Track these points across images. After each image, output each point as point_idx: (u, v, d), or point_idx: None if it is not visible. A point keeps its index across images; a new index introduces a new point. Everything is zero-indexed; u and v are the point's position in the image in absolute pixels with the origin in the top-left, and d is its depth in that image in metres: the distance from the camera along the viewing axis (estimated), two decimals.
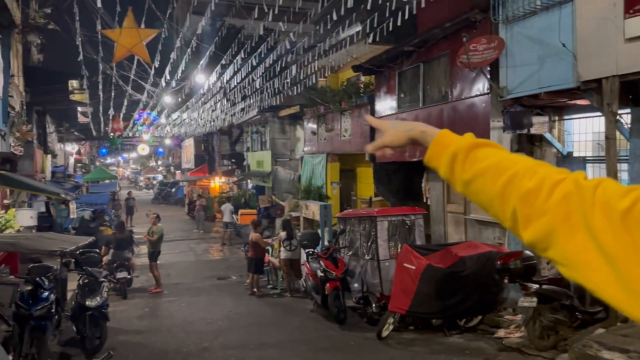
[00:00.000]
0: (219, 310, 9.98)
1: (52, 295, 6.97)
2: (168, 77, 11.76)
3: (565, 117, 8.78)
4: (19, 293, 6.65)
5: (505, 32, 8.23)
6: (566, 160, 8.73)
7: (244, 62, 12.08)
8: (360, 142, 13.53)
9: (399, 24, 8.14)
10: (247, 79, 13.06)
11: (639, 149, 7.29)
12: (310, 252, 9.80)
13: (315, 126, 16.74)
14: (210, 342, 7.97)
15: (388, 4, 8.26)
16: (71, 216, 15.11)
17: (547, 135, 8.66)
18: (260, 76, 12.76)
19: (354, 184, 16.80)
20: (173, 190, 39.00)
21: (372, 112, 12.70)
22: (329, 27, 8.88)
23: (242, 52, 11.18)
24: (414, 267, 7.47)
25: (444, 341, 7.50)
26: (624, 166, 7.51)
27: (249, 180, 24.61)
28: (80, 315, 7.41)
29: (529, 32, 7.83)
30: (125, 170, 73.65)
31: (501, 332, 7.47)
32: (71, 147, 30.76)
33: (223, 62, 11.92)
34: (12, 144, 11.72)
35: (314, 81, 12.90)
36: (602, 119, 6.54)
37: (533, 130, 8.48)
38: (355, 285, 9.04)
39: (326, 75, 14.29)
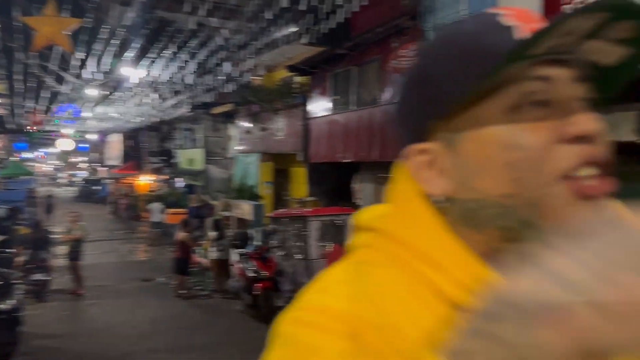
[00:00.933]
0: (144, 313, 9.65)
1: None
2: (93, 69, 11.25)
3: None
4: None
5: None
6: None
7: (174, 57, 11.78)
8: (294, 142, 13.55)
9: (333, 26, 8.25)
10: (178, 75, 12.75)
11: None
12: (242, 252, 9.71)
13: (249, 125, 16.61)
14: (134, 347, 7.69)
15: (322, 6, 8.36)
16: None
17: None
18: (192, 72, 12.50)
19: (287, 184, 16.83)
20: (97, 188, 37.33)
21: (306, 113, 12.78)
22: (263, 25, 8.86)
23: (173, 46, 10.91)
24: None
25: None
26: None
27: (179, 179, 24.01)
28: None
29: None
30: (46, 166, 69.61)
31: None
32: None
33: (153, 55, 11.57)
34: None
35: (248, 79, 12.80)
36: None
37: None
38: (286, 285, 9.05)
39: (261, 74, 14.22)
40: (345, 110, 11.43)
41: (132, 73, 14.32)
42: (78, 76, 14.12)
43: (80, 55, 9.76)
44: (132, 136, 31.19)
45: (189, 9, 8.10)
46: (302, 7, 7.88)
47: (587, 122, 0.52)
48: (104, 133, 33.84)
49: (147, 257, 16.55)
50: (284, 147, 14.39)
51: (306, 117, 12.79)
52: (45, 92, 15.77)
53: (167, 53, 11.14)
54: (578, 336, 0.37)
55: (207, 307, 10.25)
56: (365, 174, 11.62)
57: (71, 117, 25.55)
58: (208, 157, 19.63)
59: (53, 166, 70.35)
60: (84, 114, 24.08)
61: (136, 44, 11.06)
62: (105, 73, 13.09)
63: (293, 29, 10.67)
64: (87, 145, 46.42)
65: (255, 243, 10.82)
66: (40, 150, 57.83)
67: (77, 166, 54.88)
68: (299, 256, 9.10)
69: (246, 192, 15.41)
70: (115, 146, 34.48)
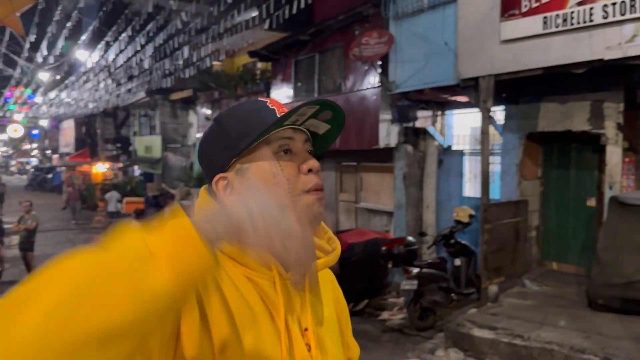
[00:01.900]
0: None
1: None
2: (45, 52, 10.76)
3: (447, 112, 9.38)
4: None
5: (395, 27, 8.59)
6: (447, 152, 9.35)
7: (130, 40, 11.39)
8: None
9: (294, 12, 8.15)
10: (134, 58, 12.34)
11: (510, 144, 8.01)
12: None
13: (209, 111, 16.30)
14: None
15: None
16: None
17: (430, 129, 9.21)
18: (149, 56, 12.12)
19: None
20: (49, 176, 36.00)
21: None
22: (223, 9, 8.66)
23: (128, 29, 10.53)
24: None
25: None
26: (496, 159, 8.21)
27: (136, 167, 23.39)
28: None
29: (417, 29, 8.24)
30: None
31: (385, 315, 7.84)
32: None
33: (107, 38, 11.15)
34: None
35: (208, 65, 12.53)
36: (479, 114, 7.07)
37: (418, 124, 8.98)
38: None
39: (221, 59, 13.96)
40: (308, 97, 11.37)
41: (87, 57, 13.78)
42: (30, 59, 13.50)
43: (32, 38, 9.29)
44: (86, 122, 30.15)
45: None
46: None
47: (314, 163, 0.96)
48: (57, 119, 32.55)
49: None
50: None
51: None
52: None
53: (123, 36, 10.75)
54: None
55: None
56: (328, 162, 11.62)
57: (22, 102, 24.43)
58: (166, 145, 19.19)
59: (2, 153, 67.33)
60: (35, 99, 23.06)
61: (91, 27, 10.63)
62: (58, 56, 12.55)
63: (254, 13, 10.48)
64: (39, 132, 44.57)
65: None
66: None
67: (29, 153, 52.70)
68: None
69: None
70: (68, 133, 33.24)
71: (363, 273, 7.65)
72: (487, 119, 6.87)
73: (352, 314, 7.92)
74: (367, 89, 9.56)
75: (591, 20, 5.82)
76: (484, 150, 6.84)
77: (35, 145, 51.93)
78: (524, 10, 6.43)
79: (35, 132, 44.86)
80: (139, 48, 11.70)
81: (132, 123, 23.83)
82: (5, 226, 12.67)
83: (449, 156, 9.29)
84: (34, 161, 49.14)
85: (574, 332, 5.56)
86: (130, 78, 15.01)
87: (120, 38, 10.88)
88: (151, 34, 10.80)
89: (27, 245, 10.97)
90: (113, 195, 18.74)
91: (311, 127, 1.00)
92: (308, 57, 11.34)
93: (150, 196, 18.55)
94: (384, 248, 7.38)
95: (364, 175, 10.77)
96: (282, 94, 12.40)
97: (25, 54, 12.68)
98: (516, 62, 6.56)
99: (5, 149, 67.03)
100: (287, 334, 0.91)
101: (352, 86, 9.98)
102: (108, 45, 11.39)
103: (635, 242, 5.90)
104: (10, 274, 11.31)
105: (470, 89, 7.25)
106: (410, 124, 8.86)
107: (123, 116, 25.44)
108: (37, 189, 35.75)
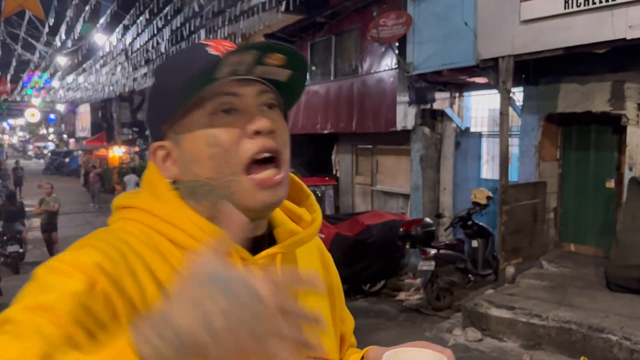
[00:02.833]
0: None
1: None
2: (63, 37, 10.87)
3: (465, 93, 9.33)
4: None
5: (413, 8, 8.52)
6: (464, 134, 9.33)
7: (147, 24, 11.44)
8: None
9: None
10: (151, 42, 12.40)
11: (528, 125, 7.97)
12: None
13: None
14: None
15: None
16: None
17: (448, 111, 9.18)
18: (166, 39, 12.18)
19: (289, 148, 16.72)
20: (67, 160, 36.46)
21: None
22: None
23: (146, 12, 10.58)
24: (323, 236, 7.66)
25: (349, 305, 7.72)
26: (515, 141, 8.18)
27: None
28: None
29: (435, 10, 8.17)
30: (12, 138, 67.46)
31: (402, 295, 7.92)
32: None
33: (125, 22, 11.22)
34: None
35: None
36: (498, 96, 7.03)
37: (436, 106, 8.95)
38: None
39: (237, 42, 13.95)
40: (324, 81, 11.36)
41: (104, 40, 13.88)
42: (48, 43, 13.64)
43: (50, 21, 9.39)
44: (102, 107, 30.40)
45: None
46: None
47: (263, 122, 0.75)
48: (73, 104, 32.84)
49: None
50: None
51: None
52: (13, 60, 15.18)
53: (141, 19, 10.81)
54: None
55: None
56: (344, 145, 11.65)
57: (40, 86, 24.69)
58: None
59: (19, 138, 68.24)
60: (53, 84, 23.29)
61: (108, 10, 10.69)
62: (76, 40, 12.66)
63: None
64: (55, 117, 45.03)
65: None
66: (6, 121, 55.91)
67: (46, 138, 53.34)
68: None
69: None
70: (85, 117, 33.57)
71: (380, 254, 7.72)
72: (507, 100, 6.83)
73: (370, 294, 8.04)
74: (384, 70, 9.53)
75: None
76: (503, 132, 6.82)
77: (51, 129, 52.53)
78: None
79: (52, 116, 45.35)
80: (155, 31, 11.77)
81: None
82: (26, 209, 12.93)
83: (466, 138, 9.27)
84: (51, 145, 49.74)
85: (593, 312, 5.59)
86: (147, 62, 15.10)
87: (138, 21, 10.94)
88: (168, 18, 10.84)
89: (49, 227, 11.21)
90: (132, 178, 18.96)
91: (268, 75, 0.78)
92: (324, 39, 11.30)
93: None
94: (401, 229, 7.43)
95: (379, 157, 10.79)
96: None
97: (44, 38, 12.81)
98: (536, 42, 6.50)
99: (22, 133, 67.91)
100: None
101: (368, 68, 9.95)
102: (125, 29, 11.46)
103: None
104: (32, 255, 11.60)
105: (489, 70, 7.20)
106: (428, 106, 8.84)
107: (139, 100, 25.60)
108: (54, 173, 36.26)
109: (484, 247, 7.39)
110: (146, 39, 12.23)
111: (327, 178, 10.11)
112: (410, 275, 8.46)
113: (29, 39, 13.20)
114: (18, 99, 28.93)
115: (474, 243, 7.45)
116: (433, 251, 7.04)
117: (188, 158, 0.78)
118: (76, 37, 11.83)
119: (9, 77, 21.74)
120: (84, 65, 17.47)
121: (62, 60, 18.48)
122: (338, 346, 1.02)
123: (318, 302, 0.90)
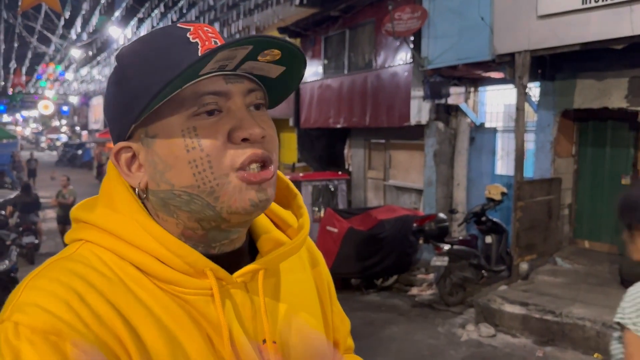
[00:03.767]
0: None
1: None
2: (79, 29, 10.95)
3: (480, 88, 9.28)
4: None
5: (429, 2, 8.48)
6: (479, 130, 9.29)
7: (162, 17, 11.50)
8: (284, 107, 13.45)
9: None
10: None
11: (544, 121, 7.92)
12: None
13: None
14: None
15: None
16: None
17: (463, 106, 9.13)
18: None
19: (278, 149, 16.74)
20: (79, 152, 36.73)
21: None
22: None
23: (161, 5, 10.63)
24: (336, 230, 7.69)
25: (362, 299, 7.86)
26: (530, 136, 8.13)
27: None
28: None
29: (451, 4, 8.12)
30: (25, 129, 68.12)
31: (414, 290, 7.93)
32: None
33: (140, 15, 11.28)
34: None
35: None
36: (513, 91, 6.99)
37: (450, 101, 8.91)
38: None
39: (222, 34, 13.96)
40: (337, 75, 11.35)
41: (119, 33, 13.96)
42: (63, 36, 13.75)
43: (66, 14, 9.46)
44: None
45: None
46: None
47: (254, 129, 0.66)
48: (86, 96, 33.08)
49: None
50: (274, 112, 14.28)
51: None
52: (28, 52, 15.32)
53: (155, 13, 10.86)
54: None
55: None
56: (357, 139, 11.65)
57: (54, 78, 24.91)
58: None
59: (32, 130, 68.87)
60: (66, 76, 23.47)
61: (124, 4, 10.75)
62: (91, 33, 12.75)
63: None
64: (68, 109, 45.37)
65: None
66: (19, 113, 56.48)
67: (58, 130, 53.80)
68: None
69: None
70: (97, 109, 33.79)
71: (392, 249, 7.75)
72: (523, 96, 6.79)
73: (382, 288, 8.07)
74: (398, 65, 9.50)
75: None
76: (519, 127, 6.79)
77: (64, 121, 52.95)
78: None
79: (65, 108, 45.73)
80: (170, 24, 11.80)
81: None
82: (42, 200, 13.10)
83: (481, 133, 9.23)
84: (64, 137, 50.15)
85: (606, 309, 5.57)
86: None
87: (152, 14, 10.99)
88: (183, 11, 10.88)
89: (66, 219, 11.36)
90: None
91: (256, 71, 0.70)
92: (338, 33, 11.28)
93: None
94: (415, 224, 7.44)
95: (393, 152, 10.78)
96: (310, 71, 12.38)
97: (59, 31, 12.91)
98: (553, 37, 6.44)
99: (35, 125, 68.56)
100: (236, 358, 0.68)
101: (383, 62, 9.93)
102: (140, 22, 11.52)
103: None
104: (47, 246, 11.77)
105: (505, 65, 7.16)
106: (442, 101, 8.81)
107: None
108: (67, 164, 36.57)
109: (497, 243, 7.38)
110: None
111: (340, 172, 10.11)
112: (423, 270, 8.47)
113: (45, 32, 13.31)
114: (32, 90, 29.22)
115: (488, 239, 7.44)
116: (446, 247, 7.04)
117: (161, 164, 0.68)
118: (91, 30, 11.91)
119: (24, 70, 21.97)
120: (98, 58, 17.60)
121: (76, 53, 18.62)
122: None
123: (308, 318, 0.81)
